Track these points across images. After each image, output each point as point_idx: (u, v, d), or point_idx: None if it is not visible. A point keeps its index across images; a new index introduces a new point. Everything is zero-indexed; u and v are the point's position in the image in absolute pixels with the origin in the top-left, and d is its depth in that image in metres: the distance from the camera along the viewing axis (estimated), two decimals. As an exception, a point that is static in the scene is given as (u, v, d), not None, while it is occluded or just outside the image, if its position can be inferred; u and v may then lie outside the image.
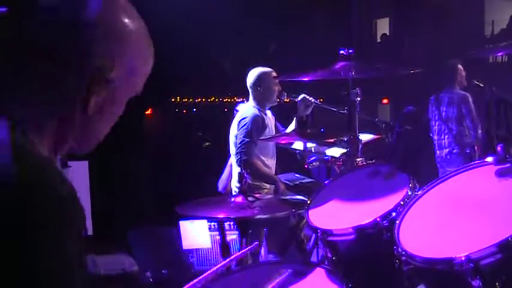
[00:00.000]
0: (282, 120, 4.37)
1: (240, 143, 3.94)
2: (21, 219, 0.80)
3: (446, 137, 5.53)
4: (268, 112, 4.18)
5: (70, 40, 0.92)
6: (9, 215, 0.79)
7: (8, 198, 0.80)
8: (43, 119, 0.93)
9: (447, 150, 5.51)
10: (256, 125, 3.95)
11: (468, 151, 5.41)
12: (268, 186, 4.04)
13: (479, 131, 5.42)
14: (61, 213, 0.83)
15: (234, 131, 4.06)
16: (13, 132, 0.88)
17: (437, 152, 5.60)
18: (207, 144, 8.33)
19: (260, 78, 4.07)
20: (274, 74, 4.11)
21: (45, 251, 0.80)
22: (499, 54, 7.09)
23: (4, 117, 0.89)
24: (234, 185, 4.10)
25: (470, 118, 5.41)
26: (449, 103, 5.51)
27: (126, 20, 0.97)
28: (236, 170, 4.06)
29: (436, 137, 5.61)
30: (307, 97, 4.02)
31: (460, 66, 5.55)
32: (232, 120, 4.18)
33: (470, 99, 5.46)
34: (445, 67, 5.65)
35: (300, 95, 4.08)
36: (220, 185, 4.45)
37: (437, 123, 5.61)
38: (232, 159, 4.11)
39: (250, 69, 4.18)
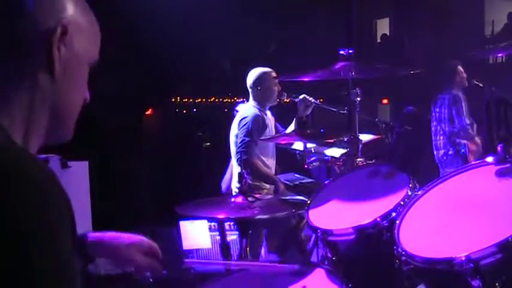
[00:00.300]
0: (282, 120, 4.37)
1: (240, 143, 3.95)
2: None
3: (441, 138, 5.57)
4: (268, 112, 4.18)
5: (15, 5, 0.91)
6: None
7: None
8: (9, 96, 0.90)
9: (442, 151, 5.54)
10: (256, 125, 3.96)
11: (463, 151, 5.43)
12: (268, 186, 4.05)
13: (470, 131, 5.43)
14: (41, 202, 0.80)
15: (234, 130, 4.06)
16: None
17: (435, 152, 5.62)
18: (207, 144, 8.33)
19: (260, 78, 4.08)
20: (274, 74, 4.12)
21: (28, 242, 0.77)
22: (499, 55, 7.10)
23: None
24: (234, 185, 4.10)
25: (458, 120, 5.44)
26: (441, 104, 5.54)
27: None
28: (236, 170, 4.06)
29: (433, 138, 5.65)
30: (307, 97, 4.02)
31: (460, 67, 5.56)
32: (232, 120, 4.18)
33: (461, 99, 5.46)
34: (445, 68, 5.66)
35: (300, 95, 4.08)
36: (224, 185, 4.46)
37: (433, 124, 5.64)
38: (233, 160, 4.12)
39: (250, 69, 4.19)
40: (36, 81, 0.93)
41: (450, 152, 5.48)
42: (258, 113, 4.02)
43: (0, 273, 0.75)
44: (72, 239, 0.83)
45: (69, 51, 0.95)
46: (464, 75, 5.58)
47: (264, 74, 4.10)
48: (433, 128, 5.65)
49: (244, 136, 3.94)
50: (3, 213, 0.77)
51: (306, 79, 3.78)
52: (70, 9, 0.96)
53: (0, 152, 0.83)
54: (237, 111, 4.30)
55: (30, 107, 0.93)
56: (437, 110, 5.58)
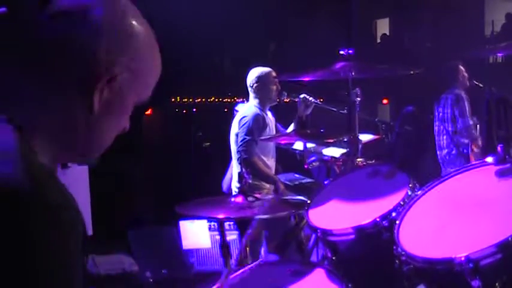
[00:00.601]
0: (282, 120, 4.37)
1: (241, 141, 3.95)
2: (18, 233, 0.78)
3: (444, 137, 5.56)
4: (269, 113, 4.18)
5: (73, 38, 0.91)
6: (5, 229, 0.78)
7: (4, 210, 0.78)
8: (45, 122, 0.91)
9: (446, 151, 5.53)
10: (257, 123, 3.96)
11: (465, 151, 5.43)
12: (268, 186, 4.05)
13: (473, 131, 5.43)
14: (59, 224, 0.82)
15: (234, 129, 4.06)
16: (17, 139, 0.87)
17: (438, 152, 5.62)
18: (207, 144, 8.32)
19: (260, 77, 4.08)
20: (273, 73, 4.12)
21: (44, 263, 0.79)
22: (499, 54, 7.09)
23: (6, 122, 0.88)
24: (234, 185, 4.10)
25: (461, 120, 5.43)
26: (444, 104, 5.54)
27: (131, 21, 0.97)
28: (236, 170, 4.06)
29: (436, 138, 5.63)
30: (308, 97, 4.02)
31: (461, 67, 5.56)
32: (232, 120, 4.18)
33: (464, 99, 5.45)
34: (447, 68, 5.65)
35: (299, 95, 4.08)
36: (225, 185, 4.46)
37: (436, 123, 5.63)
38: (233, 159, 4.11)
39: (250, 69, 4.19)
40: (74, 113, 0.93)
41: (453, 152, 5.47)
42: (259, 112, 4.03)
43: None
44: (82, 264, 0.86)
45: (114, 94, 0.95)
46: (466, 74, 5.58)
47: (264, 73, 4.10)
48: (436, 128, 5.64)
49: (244, 135, 3.94)
50: (20, 234, 0.78)
51: (306, 79, 3.78)
52: (134, 54, 0.96)
53: (28, 173, 0.83)
54: (237, 111, 4.30)
55: (62, 135, 0.93)
56: (440, 109, 5.57)
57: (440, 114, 5.57)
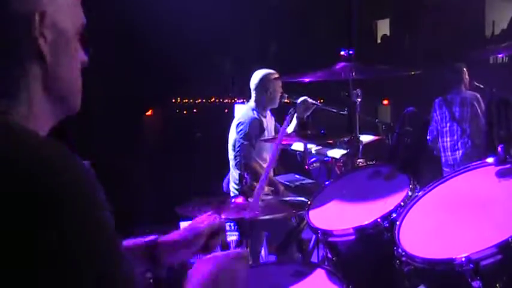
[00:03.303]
0: (282, 120, 4.37)
1: (238, 146, 3.95)
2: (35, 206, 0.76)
3: (459, 138, 5.46)
4: (268, 113, 4.18)
5: None
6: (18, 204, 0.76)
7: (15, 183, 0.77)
8: (9, 88, 0.91)
9: (461, 151, 5.43)
10: (254, 128, 3.96)
11: (478, 153, 5.36)
12: (266, 187, 4.04)
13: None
14: (78, 190, 0.82)
15: (232, 134, 4.06)
16: None
17: (448, 153, 5.52)
18: (207, 144, 8.33)
19: (264, 80, 4.08)
20: (277, 76, 4.12)
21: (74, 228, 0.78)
22: (500, 55, 7.09)
23: None
24: (232, 186, 4.10)
25: (484, 118, 5.38)
26: (462, 103, 5.47)
27: None
28: (233, 171, 4.07)
29: (447, 139, 5.54)
30: (308, 99, 4.02)
31: (464, 68, 5.56)
32: (232, 121, 4.18)
33: (481, 99, 5.44)
34: (452, 69, 5.62)
35: (299, 96, 4.08)
36: (225, 185, 4.46)
37: (448, 124, 5.54)
38: (231, 159, 4.11)
39: (251, 70, 4.19)
40: (30, 69, 0.93)
41: (468, 152, 5.38)
42: (256, 116, 4.02)
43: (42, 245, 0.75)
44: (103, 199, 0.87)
45: (54, 33, 0.95)
46: (467, 76, 5.58)
47: (268, 76, 4.10)
48: (446, 129, 5.55)
49: (242, 139, 3.95)
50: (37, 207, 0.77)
51: (307, 80, 3.78)
52: None
53: (10, 136, 0.84)
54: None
55: (30, 95, 0.94)
56: (457, 109, 5.49)
57: (456, 113, 5.49)
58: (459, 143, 5.46)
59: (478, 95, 5.44)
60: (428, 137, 5.71)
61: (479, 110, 5.39)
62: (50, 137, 0.93)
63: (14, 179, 0.78)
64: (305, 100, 4.00)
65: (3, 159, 0.79)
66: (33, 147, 0.83)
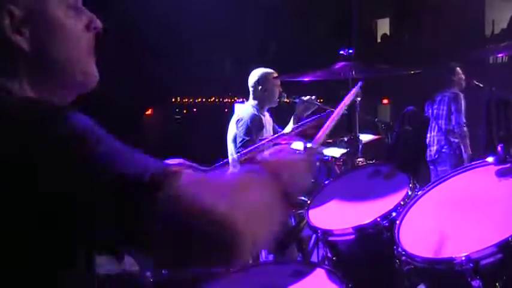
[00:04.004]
0: (282, 120, 4.37)
1: (240, 142, 3.94)
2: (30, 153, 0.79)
3: (434, 134, 5.61)
4: (266, 114, 4.18)
5: None
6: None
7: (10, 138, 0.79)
8: (8, 81, 0.93)
9: (435, 148, 5.58)
10: (255, 124, 3.96)
11: (458, 152, 5.46)
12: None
13: (465, 129, 5.49)
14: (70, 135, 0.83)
15: (232, 130, 4.05)
16: None
17: (428, 149, 5.65)
18: (208, 144, 8.33)
19: (262, 78, 4.08)
20: (275, 75, 4.12)
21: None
22: (500, 55, 7.09)
23: None
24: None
25: (456, 115, 5.49)
26: (441, 101, 5.60)
27: None
28: (232, 169, 4.05)
29: (428, 135, 5.68)
30: (311, 98, 4.01)
31: (458, 68, 5.64)
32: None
33: (461, 98, 5.54)
34: (444, 68, 5.72)
35: (299, 95, 4.08)
36: None
37: (431, 121, 5.68)
38: (229, 158, 4.10)
39: (251, 70, 4.19)
40: (17, 67, 0.94)
41: (444, 150, 5.52)
42: (256, 113, 4.03)
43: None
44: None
45: (33, 22, 0.94)
46: (463, 76, 5.64)
47: (266, 74, 4.10)
48: (431, 126, 5.68)
49: (243, 135, 3.94)
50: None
51: (306, 79, 3.78)
52: None
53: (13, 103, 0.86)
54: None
55: (29, 87, 0.95)
56: (435, 107, 5.65)
57: (435, 111, 5.64)
58: (434, 140, 5.58)
59: (460, 94, 5.51)
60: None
61: (454, 107, 5.47)
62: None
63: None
64: (309, 99, 3.99)
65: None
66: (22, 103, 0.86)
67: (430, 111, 5.73)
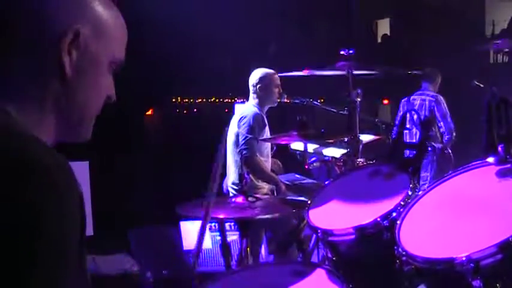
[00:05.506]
0: (281, 120, 4.37)
1: (243, 140, 3.94)
2: (6, 197, 0.76)
3: (417, 140, 5.55)
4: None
5: (27, 9, 0.92)
6: None
7: None
8: (22, 92, 0.92)
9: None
10: (257, 122, 3.96)
11: (436, 157, 5.43)
12: (266, 186, 4.04)
13: (454, 134, 5.49)
14: (51, 185, 0.79)
15: (233, 129, 4.05)
16: None
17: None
18: (208, 144, 8.34)
19: (263, 78, 4.08)
20: (277, 76, 4.13)
21: (37, 228, 0.76)
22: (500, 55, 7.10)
23: None
24: (230, 185, 4.10)
25: (444, 121, 5.48)
26: (421, 106, 5.57)
27: None
28: (232, 169, 4.06)
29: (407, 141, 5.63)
30: (310, 100, 4.02)
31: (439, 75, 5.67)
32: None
33: (443, 101, 5.53)
34: (430, 71, 5.74)
35: (299, 96, 4.09)
36: (225, 185, 4.45)
37: (407, 126, 5.63)
38: (228, 158, 4.10)
39: (251, 70, 4.19)
40: (48, 81, 0.93)
41: (427, 156, 5.47)
42: (258, 111, 4.03)
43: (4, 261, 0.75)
44: (80, 236, 0.84)
45: (83, 55, 0.95)
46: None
47: (267, 74, 4.11)
48: (406, 131, 5.60)
49: (246, 133, 3.93)
50: (12, 202, 0.76)
51: (305, 73, 3.78)
52: (90, 12, 0.96)
53: (12, 137, 0.84)
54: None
55: (41, 106, 0.93)
56: (416, 113, 5.60)
57: (415, 116, 5.59)
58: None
59: (440, 97, 5.54)
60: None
61: (440, 113, 5.49)
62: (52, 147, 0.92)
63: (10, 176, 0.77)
64: (309, 101, 4.00)
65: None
66: (35, 151, 0.83)
67: (407, 115, 5.68)
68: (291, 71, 4.18)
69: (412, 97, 5.69)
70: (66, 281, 0.80)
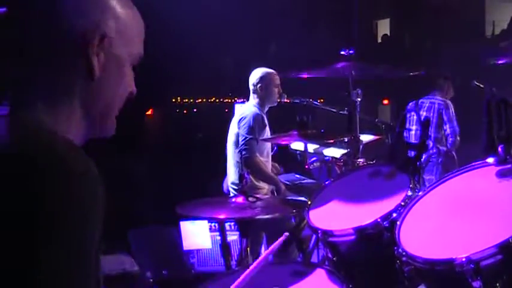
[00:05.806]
0: (281, 120, 4.37)
1: (243, 140, 3.93)
2: (32, 201, 0.78)
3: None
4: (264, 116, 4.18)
5: (55, 9, 0.94)
6: (12, 196, 0.78)
7: (12, 175, 0.79)
8: (52, 97, 0.94)
9: (424, 156, 5.53)
10: (257, 122, 3.96)
11: (440, 160, 5.45)
12: (266, 186, 4.04)
13: (458, 138, 5.51)
14: (78, 192, 0.82)
15: (233, 129, 4.05)
16: (15, 113, 0.91)
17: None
18: (208, 144, 8.33)
19: (263, 78, 4.08)
20: (277, 75, 4.13)
21: (54, 244, 0.78)
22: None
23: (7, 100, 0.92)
24: (230, 185, 4.09)
25: (450, 124, 5.50)
26: (430, 109, 5.58)
27: None
28: (232, 169, 4.06)
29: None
30: (310, 100, 4.02)
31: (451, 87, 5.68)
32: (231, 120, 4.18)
33: (451, 106, 5.55)
34: (439, 75, 5.75)
35: (299, 96, 4.09)
36: (225, 185, 4.45)
37: (414, 127, 5.63)
38: (229, 158, 4.11)
39: (251, 70, 4.19)
40: (75, 81, 0.96)
41: (432, 158, 5.49)
42: (258, 111, 4.03)
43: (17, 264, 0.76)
44: (97, 238, 0.85)
45: (108, 55, 0.98)
46: (451, 86, 5.68)
47: (267, 74, 4.11)
48: (412, 132, 5.60)
49: (246, 133, 3.93)
50: (41, 202, 0.78)
51: (305, 75, 3.78)
52: (111, 13, 0.98)
53: (41, 137, 0.86)
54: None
55: (71, 108, 0.96)
56: (424, 113, 5.60)
57: (423, 118, 5.59)
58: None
59: (449, 102, 5.56)
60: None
61: (447, 117, 5.53)
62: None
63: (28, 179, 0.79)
64: (309, 101, 4.00)
65: (23, 155, 0.82)
66: (60, 150, 0.86)
67: (415, 116, 5.69)
68: (291, 71, 4.18)
69: (420, 100, 5.70)
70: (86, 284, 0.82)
